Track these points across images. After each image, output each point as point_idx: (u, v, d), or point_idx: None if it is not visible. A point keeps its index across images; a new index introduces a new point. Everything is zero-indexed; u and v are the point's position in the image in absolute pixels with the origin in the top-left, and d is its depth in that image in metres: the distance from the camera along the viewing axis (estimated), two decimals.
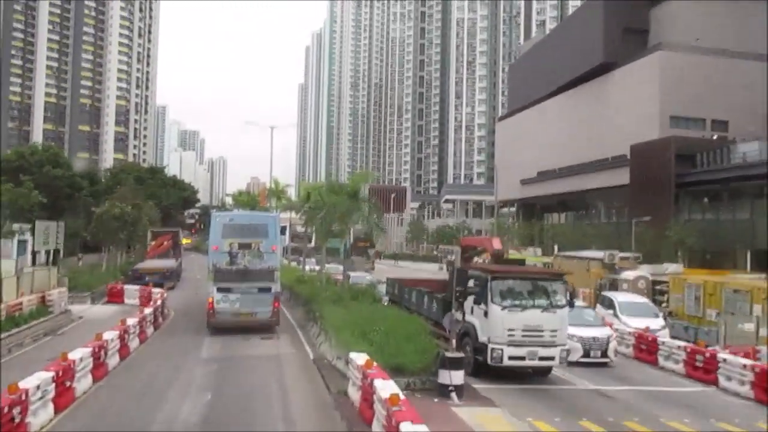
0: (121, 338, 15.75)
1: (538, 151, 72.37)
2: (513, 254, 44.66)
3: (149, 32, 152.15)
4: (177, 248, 43.64)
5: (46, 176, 46.25)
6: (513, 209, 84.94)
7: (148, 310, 19.92)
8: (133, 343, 17.12)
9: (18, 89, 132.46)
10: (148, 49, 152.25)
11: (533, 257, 45.85)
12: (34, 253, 32.79)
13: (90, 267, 32.21)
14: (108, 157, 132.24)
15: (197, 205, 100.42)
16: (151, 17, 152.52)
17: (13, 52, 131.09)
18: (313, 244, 43.50)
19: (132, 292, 27.16)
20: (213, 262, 21.04)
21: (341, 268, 32.66)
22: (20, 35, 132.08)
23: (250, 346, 18.75)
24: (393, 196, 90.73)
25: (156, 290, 25.44)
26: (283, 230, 52.18)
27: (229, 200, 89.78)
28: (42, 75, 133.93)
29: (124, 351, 15.89)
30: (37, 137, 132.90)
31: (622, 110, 57.99)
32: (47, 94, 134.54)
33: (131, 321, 17.12)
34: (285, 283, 25.30)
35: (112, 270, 32.99)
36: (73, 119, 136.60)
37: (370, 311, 17.49)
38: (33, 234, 28.21)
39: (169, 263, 36.04)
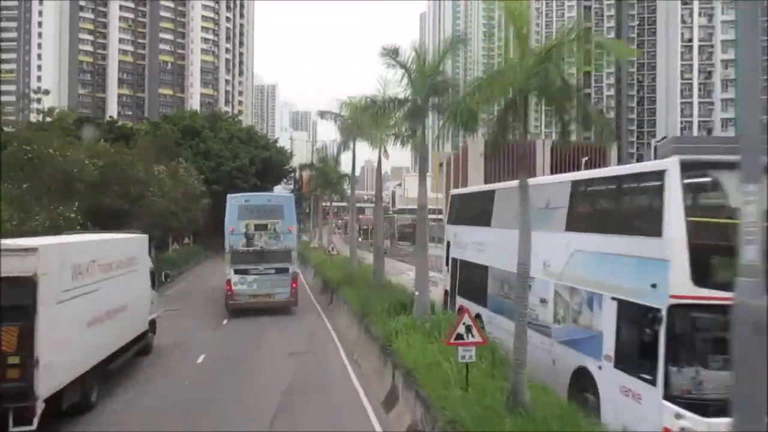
0: None
1: None
2: None
3: None
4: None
5: None
6: None
7: None
8: None
9: (89, 48, 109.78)
10: None
11: None
12: None
13: None
14: None
15: (291, 175, 68.77)
16: None
17: (82, 3, 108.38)
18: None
19: None
20: (230, 243, 21.75)
21: None
22: None
23: None
24: (585, 159, 51.57)
25: None
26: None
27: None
28: (115, 29, 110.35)
29: None
30: (112, 104, 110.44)
31: None
32: (122, 52, 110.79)
33: None
34: None
35: None
36: (152, 81, 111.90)
37: None
38: None
39: None
